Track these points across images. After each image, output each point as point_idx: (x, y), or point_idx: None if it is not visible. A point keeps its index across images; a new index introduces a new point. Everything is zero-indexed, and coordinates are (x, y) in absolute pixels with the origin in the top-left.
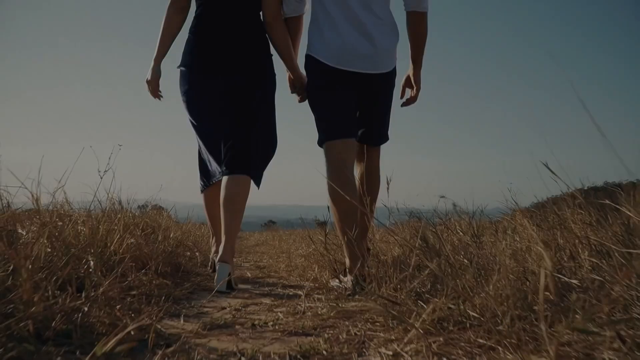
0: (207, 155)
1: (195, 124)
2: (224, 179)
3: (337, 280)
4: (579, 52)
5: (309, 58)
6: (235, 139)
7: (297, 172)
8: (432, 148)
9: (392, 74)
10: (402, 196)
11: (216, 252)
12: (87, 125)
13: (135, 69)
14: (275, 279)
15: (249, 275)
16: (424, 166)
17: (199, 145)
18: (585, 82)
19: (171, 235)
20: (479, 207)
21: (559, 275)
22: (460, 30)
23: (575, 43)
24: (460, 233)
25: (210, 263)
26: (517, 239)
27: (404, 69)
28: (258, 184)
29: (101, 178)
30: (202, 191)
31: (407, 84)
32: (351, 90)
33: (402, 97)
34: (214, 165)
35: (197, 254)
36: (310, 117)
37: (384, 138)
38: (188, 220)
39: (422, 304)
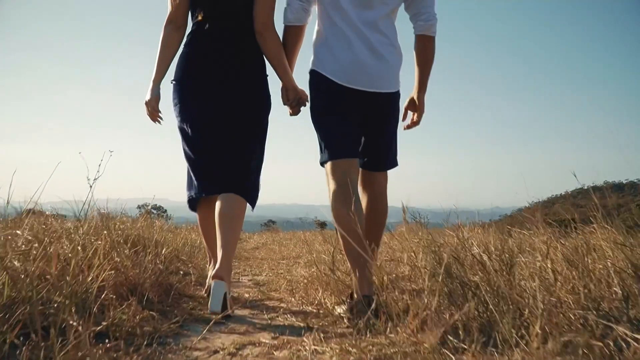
0: (195, 171)
1: (185, 138)
2: (220, 198)
3: (343, 307)
4: (579, 50)
5: (314, 74)
6: (229, 158)
7: (296, 171)
8: (430, 146)
9: (398, 95)
10: (404, 196)
11: (213, 276)
12: (86, 125)
13: (134, 68)
14: (275, 302)
15: (247, 297)
16: (421, 165)
17: (188, 161)
18: (584, 80)
19: (163, 252)
20: (492, 211)
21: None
22: (460, 30)
23: (577, 40)
24: (484, 257)
25: (206, 287)
26: (547, 265)
27: (405, 90)
28: (253, 205)
29: (91, 187)
30: (190, 206)
31: (411, 106)
32: (358, 109)
33: (404, 119)
34: (202, 182)
35: (191, 270)
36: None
37: (393, 162)
38: (182, 228)
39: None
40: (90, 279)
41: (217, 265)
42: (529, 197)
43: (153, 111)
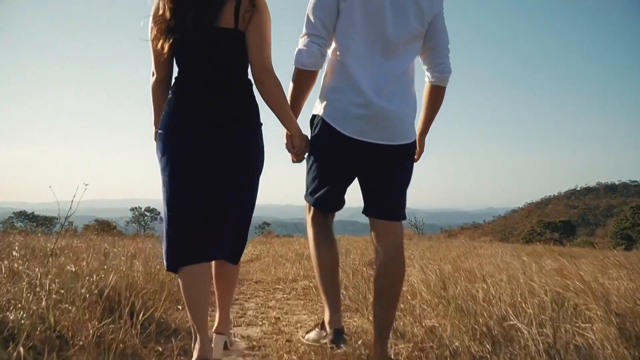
0: (181, 232)
1: (169, 195)
2: (216, 263)
3: (313, 333)
4: (574, 50)
5: (317, 119)
6: (218, 218)
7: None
8: (428, 147)
9: (413, 145)
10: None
11: (198, 358)
12: (85, 126)
13: (131, 68)
14: None
15: None
16: (418, 165)
17: (166, 218)
18: (579, 81)
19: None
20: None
21: None
22: (459, 29)
23: (571, 39)
24: None
25: None
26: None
27: None
28: (237, 262)
29: (62, 226)
30: (170, 266)
31: None
32: (361, 161)
33: None
34: (192, 247)
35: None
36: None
37: (403, 212)
38: None
39: None
40: None
41: (217, 322)
42: (523, 199)
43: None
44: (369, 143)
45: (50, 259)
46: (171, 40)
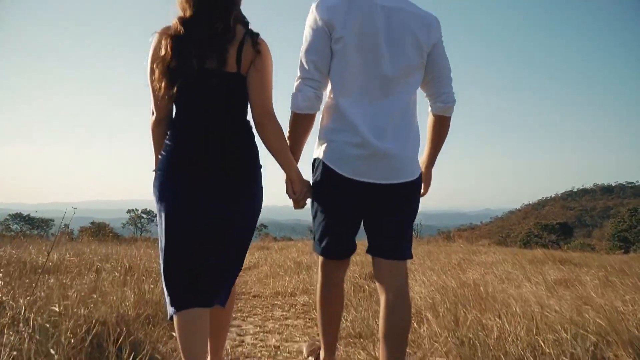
0: (169, 273)
1: (164, 242)
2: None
3: None
4: (571, 51)
5: (317, 162)
6: (214, 264)
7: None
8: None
9: (418, 182)
10: None
11: None
12: (84, 126)
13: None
14: None
15: None
16: None
17: (162, 260)
18: (575, 83)
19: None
20: None
21: None
22: (459, 29)
23: (569, 40)
24: None
25: None
26: None
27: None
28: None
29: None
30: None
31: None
32: (363, 202)
33: None
34: (189, 291)
35: None
36: None
37: (408, 251)
38: None
39: None
40: None
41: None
42: (520, 200)
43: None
44: (369, 183)
45: (40, 279)
46: (172, 82)
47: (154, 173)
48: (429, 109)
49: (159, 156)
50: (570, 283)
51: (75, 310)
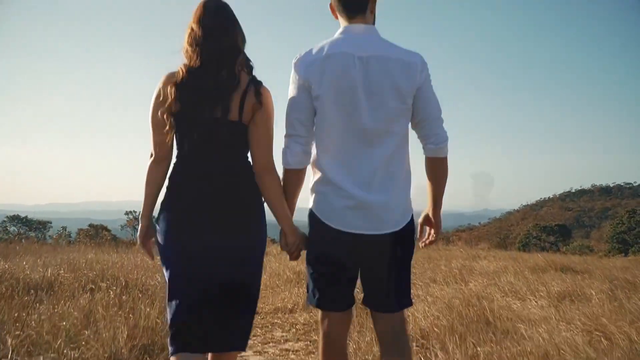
0: (173, 318)
1: (168, 288)
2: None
3: None
4: (570, 51)
5: (311, 214)
6: (219, 311)
7: None
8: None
9: (408, 229)
10: None
11: None
12: (83, 126)
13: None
14: None
15: None
16: (416, 164)
17: (166, 304)
18: (574, 83)
19: None
20: None
21: None
22: (458, 28)
23: (568, 39)
24: None
25: None
26: None
27: None
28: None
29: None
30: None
31: (426, 222)
32: (352, 252)
33: (420, 236)
34: (182, 332)
35: None
36: None
37: (405, 301)
38: None
39: None
40: None
41: None
42: (518, 200)
43: (143, 248)
44: (357, 234)
45: (31, 306)
46: (176, 129)
47: (145, 218)
48: (422, 149)
49: (152, 198)
50: (575, 296)
51: (65, 351)
